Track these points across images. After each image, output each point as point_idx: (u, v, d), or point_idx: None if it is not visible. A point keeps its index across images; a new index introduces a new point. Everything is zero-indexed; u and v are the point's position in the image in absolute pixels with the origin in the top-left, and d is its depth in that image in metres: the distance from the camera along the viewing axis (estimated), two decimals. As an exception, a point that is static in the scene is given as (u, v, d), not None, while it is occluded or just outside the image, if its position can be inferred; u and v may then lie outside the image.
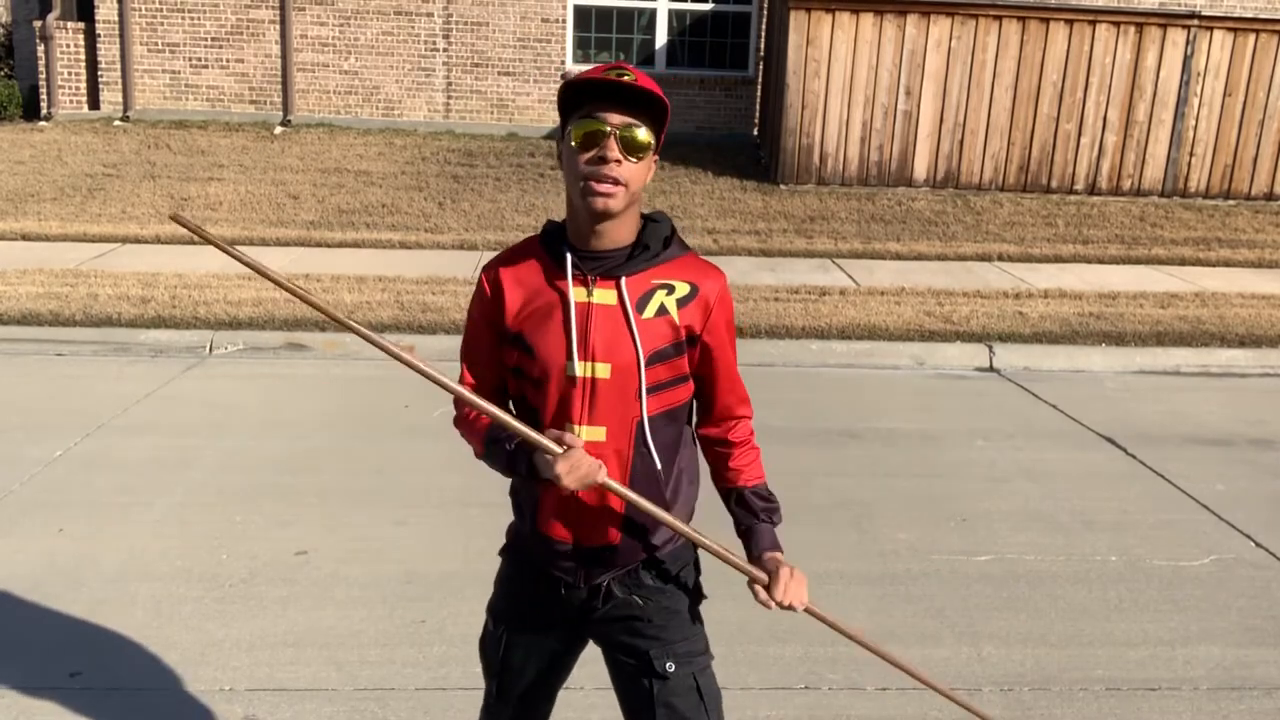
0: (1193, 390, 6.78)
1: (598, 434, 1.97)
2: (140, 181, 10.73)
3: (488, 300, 2.03)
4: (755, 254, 9.42)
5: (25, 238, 9.06)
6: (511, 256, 2.06)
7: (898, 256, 9.51)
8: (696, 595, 2.14)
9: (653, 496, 1.97)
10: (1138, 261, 9.67)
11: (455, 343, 6.86)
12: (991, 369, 7.01)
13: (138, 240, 9.10)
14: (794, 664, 3.52)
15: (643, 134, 1.89)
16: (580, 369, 1.95)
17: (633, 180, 1.90)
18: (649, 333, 1.96)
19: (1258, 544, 4.53)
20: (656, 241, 1.98)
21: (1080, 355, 7.17)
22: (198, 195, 10.35)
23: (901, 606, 3.91)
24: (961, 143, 11.28)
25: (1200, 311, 7.94)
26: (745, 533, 2.10)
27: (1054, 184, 11.44)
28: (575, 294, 1.95)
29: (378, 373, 6.48)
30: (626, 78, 1.86)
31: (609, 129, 1.87)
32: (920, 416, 6.03)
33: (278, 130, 12.83)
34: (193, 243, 9.07)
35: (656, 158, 1.98)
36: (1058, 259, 9.61)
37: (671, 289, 1.97)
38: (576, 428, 1.96)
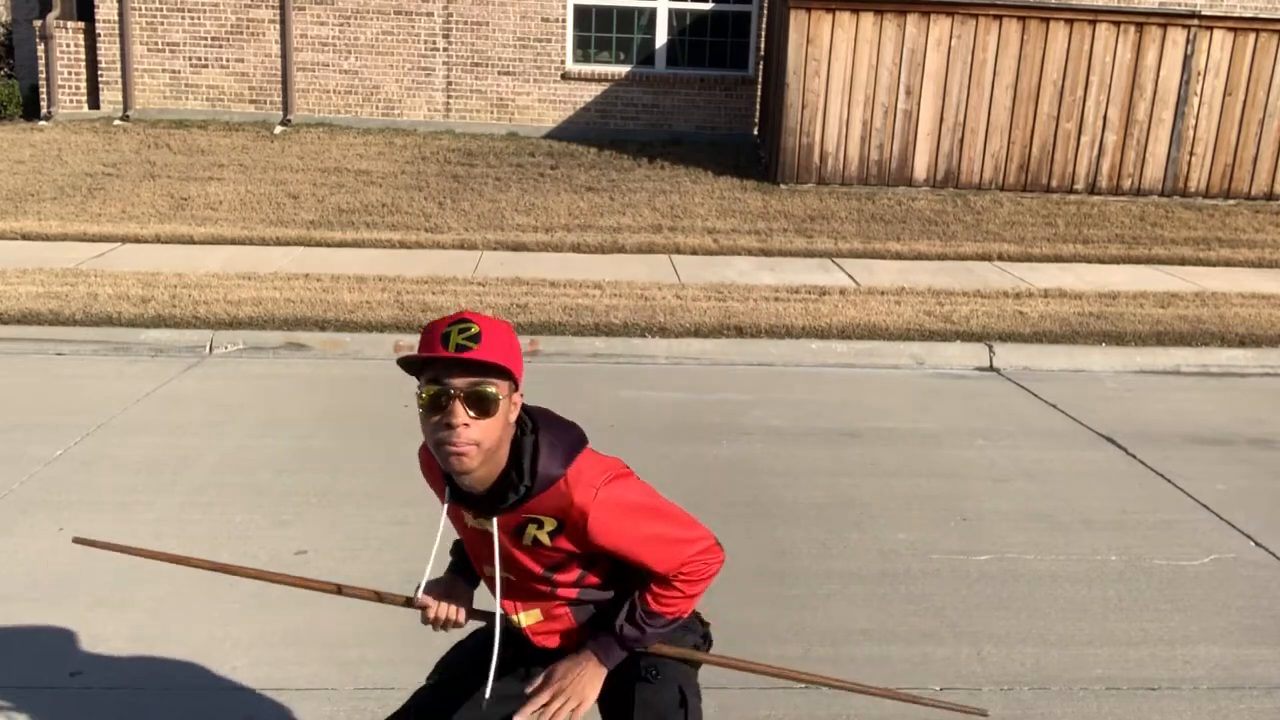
0: (1193, 390, 6.77)
1: (534, 617, 2.10)
2: (140, 181, 10.73)
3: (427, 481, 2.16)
4: (755, 254, 9.42)
5: (25, 237, 9.06)
6: (426, 459, 2.12)
7: (898, 256, 9.50)
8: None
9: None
10: (1138, 261, 9.67)
11: (455, 342, 6.87)
12: (991, 369, 7.01)
13: (138, 240, 9.09)
14: (794, 664, 3.51)
15: (490, 390, 1.85)
16: (489, 570, 2.07)
17: (486, 437, 1.87)
18: (530, 555, 2.03)
19: (1258, 544, 4.52)
20: (521, 477, 1.94)
21: (1080, 355, 7.16)
22: (197, 195, 10.35)
23: (901, 606, 3.91)
24: (961, 142, 11.28)
25: (1200, 311, 7.94)
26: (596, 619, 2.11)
27: (1054, 183, 11.43)
28: (465, 516, 2.06)
29: (378, 373, 6.48)
30: (469, 344, 1.81)
31: (453, 392, 1.84)
32: (920, 416, 6.03)
33: (278, 130, 12.83)
34: (192, 242, 9.08)
35: (519, 395, 1.94)
36: (1058, 258, 9.61)
37: (540, 524, 1.97)
38: (511, 616, 2.10)
